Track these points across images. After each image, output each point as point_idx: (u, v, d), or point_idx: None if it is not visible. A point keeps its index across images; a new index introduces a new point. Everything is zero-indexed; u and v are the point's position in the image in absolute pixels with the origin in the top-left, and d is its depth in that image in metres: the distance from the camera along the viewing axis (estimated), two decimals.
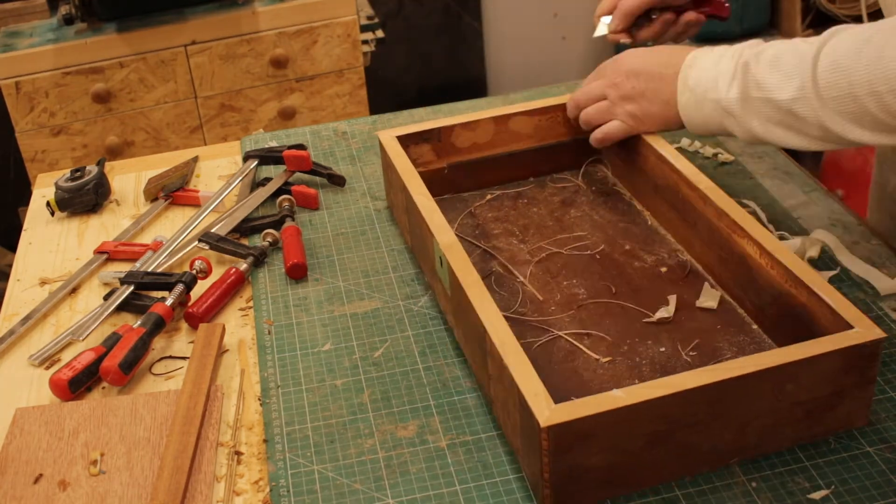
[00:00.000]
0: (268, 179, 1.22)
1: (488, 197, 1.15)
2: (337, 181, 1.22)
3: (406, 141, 1.12)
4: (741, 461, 0.79)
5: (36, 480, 0.83)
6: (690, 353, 0.89)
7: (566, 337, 0.92)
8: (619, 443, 0.74)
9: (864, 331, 0.77)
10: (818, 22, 2.78)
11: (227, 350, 0.97)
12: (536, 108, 1.16)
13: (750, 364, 0.75)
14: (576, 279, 1.00)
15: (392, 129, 1.16)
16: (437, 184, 1.14)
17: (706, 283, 0.97)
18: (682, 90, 1.00)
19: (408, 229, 1.07)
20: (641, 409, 0.73)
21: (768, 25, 2.80)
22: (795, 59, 0.89)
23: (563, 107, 1.16)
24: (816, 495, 0.75)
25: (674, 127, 1.04)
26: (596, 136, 1.11)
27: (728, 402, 0.75)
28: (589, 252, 1.04)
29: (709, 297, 0.95)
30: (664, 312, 0.93)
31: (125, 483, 0.82)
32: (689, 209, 0.99)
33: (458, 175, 1.16)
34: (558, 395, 0.82)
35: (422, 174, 1.06)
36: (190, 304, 1.02)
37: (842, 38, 0.86)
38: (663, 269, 1.00)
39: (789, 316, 0.85)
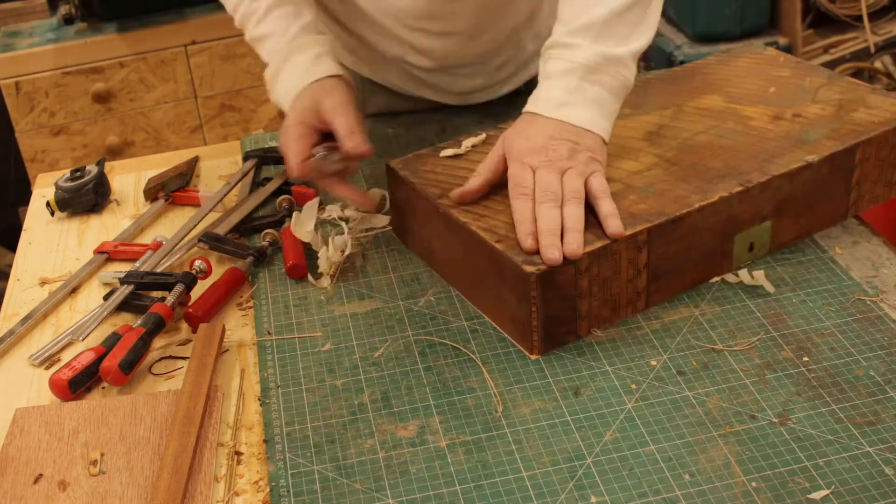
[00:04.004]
0: (268, 179, 1.22)
1: None
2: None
3: None
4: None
5: (36, 480, 0.83)
6: None
7: None
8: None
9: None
10: (818, 22, 2.78)
11: (227, 350, 0.97)
12: None
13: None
14: None
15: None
16: None
17: None
18: (555, 111, 0.99)
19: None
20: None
21: (768, 25, 2.80)
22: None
23: None
24: (816, 495, 0.75)
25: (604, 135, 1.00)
26: (611, 218, 0.93)
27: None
28: None
29: None
30: None
31: (125, 483, 0.82)
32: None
33: None
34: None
35: None
36: (190, 304, 1.02)
37: None
38: None
39: None
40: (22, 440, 0.87)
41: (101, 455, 0.85)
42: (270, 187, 1.20)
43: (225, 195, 1.20)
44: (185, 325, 1.01)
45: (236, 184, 1.22)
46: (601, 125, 0.99)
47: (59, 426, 0.88)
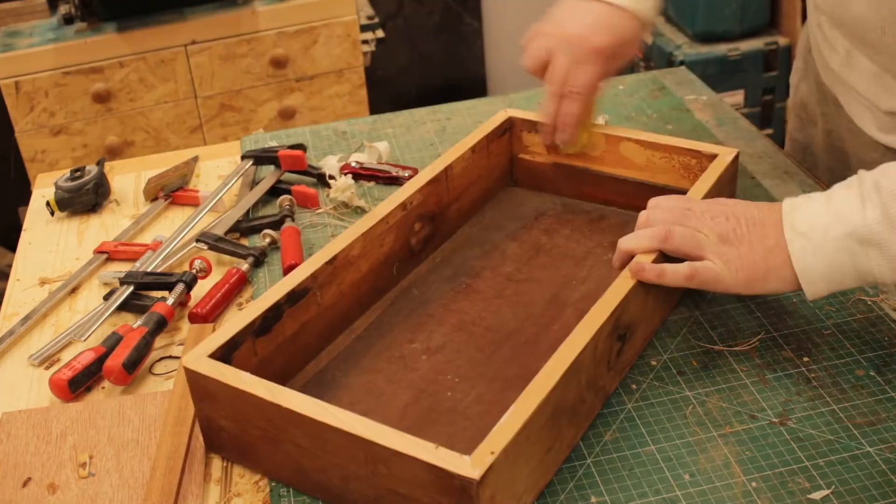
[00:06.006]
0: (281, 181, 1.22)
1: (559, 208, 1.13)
2: (327, 181, 1.22)
3: (525, 125, 1.14)
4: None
5: (25, 484, 0.82)
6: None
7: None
8: (239, 419, 0.78)
9: (468, 460, 0.67)
10: None
11: None
12: (650, 140, 1.07)
13: (345, 422, 0.72)
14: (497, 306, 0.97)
15: (520, 110, 1.16)
16: (537, 177, 1.16)
17: None
18: (792, 237, 0.83)
19: None
20: (254, 401, 0.76)
21: (768, 25, 2.80)
22: None
23: (680, 150, 1.05)
24: (816, 495, 0.75)
25: (772, 283, 0.85)
26: (681, 272, 0.86)
27: (326, 446, 0.74)
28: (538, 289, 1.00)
29: None
30: None
31: (115, 485, 0.82)
32: None
33: (560, 174, 1.14)
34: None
35: (527, 162, 1.15)
36: (191, 303, 1.02)
37: None
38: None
39: None
40: (9, 444, 0.87)
41: (90, 457, 0.84)
42: (262, 187, 1.20)
43: (221, 195, 1.20)
44: (184, 326, 1.01)
45: (232, 184, 1.22)
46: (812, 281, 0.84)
47: (46, 429, 0.88)
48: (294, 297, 0.88)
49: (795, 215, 0.84)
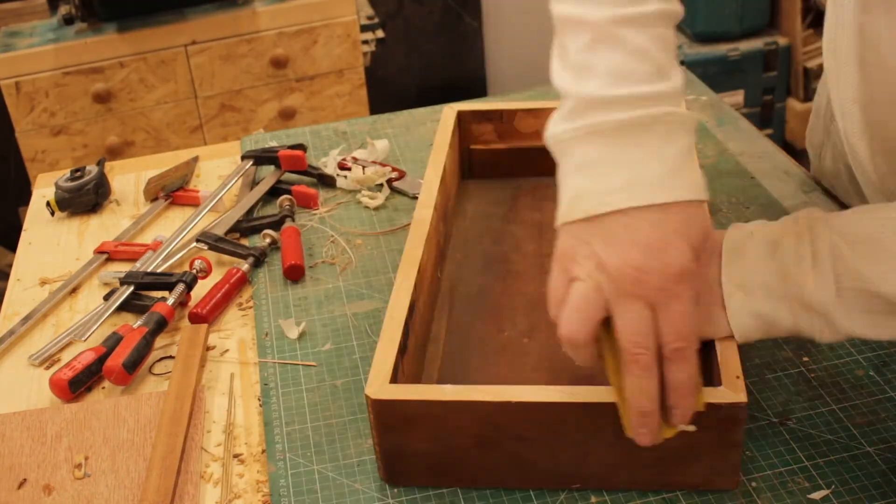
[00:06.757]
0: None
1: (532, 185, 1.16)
2: (327, 181, 1.22)
3: (469, 118, 1.16)
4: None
5: (20, 486, 0.82)
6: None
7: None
8: (443, 435, 0.75)
9: (726, 391, 0.71)
10: (818, 22, 2.78)
11: (228, 350, 0.97)
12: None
13: (589, 394, 0.72)
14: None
15: (457, 103, 1.19)
16: (493, 165, 1.18)
17: None
18: (730, 291, 0.74)
19: None
20: (465, 409, 0.73)
21: (768, 25, 2.80)
22: None
23: None
24: (816, 495, 0.75)
25: (709, 330, 0.76)
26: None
27: (562, 427, 0.73)
28: None
29: None
30: None
31: (111, 486, 0.82)
32: None
33: (514, 159, 1.17)
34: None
35: (480, 151, 1.15)
36: (191, 304, 1.02)
37: None
38: None
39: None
40: (4, 446, 0.87)
41: (86, 458, 0.84)
42: (262, 187, 1.20)
43: (221, 195, 1.20)
44: (184, 326, 1.01)
45: (231, 185, 1.22)
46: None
47: (41, 431, 0.88)
48: (410, 310, 0.85)
49: (734, 267, 0.74)
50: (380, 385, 0.75)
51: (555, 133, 0.71)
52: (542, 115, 1.14)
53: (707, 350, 0.76)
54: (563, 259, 0.70)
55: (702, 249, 0.70)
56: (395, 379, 0.77)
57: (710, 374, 0.76)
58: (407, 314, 0.83)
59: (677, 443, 0.71)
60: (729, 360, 0.74)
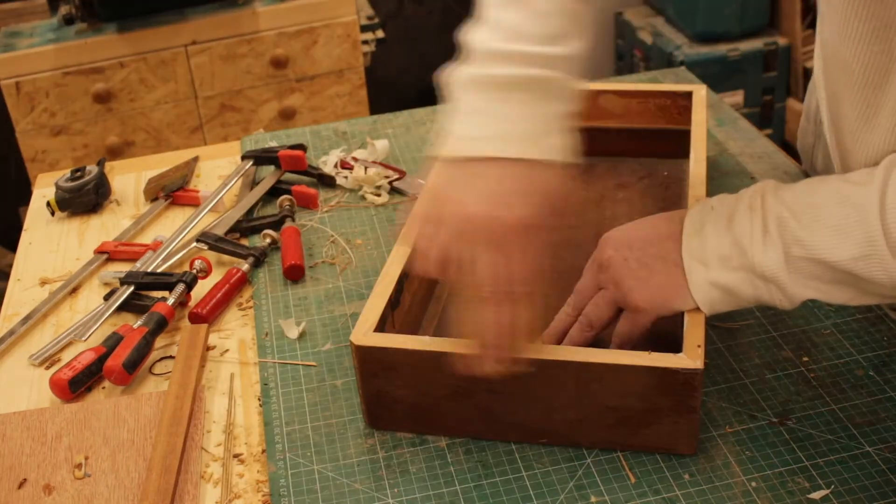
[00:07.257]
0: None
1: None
2: (327, 181, 1.22)
3: None
4: (570, 445, 0.81)
5: (20, 486, 0.82)
6: None
7: None
8: (420, 384, 0.80)
9: (684, 357, 0.75)
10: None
11: (228, 350, 0.97)
12: (625, 89, 1.17)
13: (554, 353, 0.78)
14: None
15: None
16: None
17: None
18: (691, 266, 0.78)
19: None
20: (441, 359, 0.78)
21: (768, 25, 2.80)
22: (847, 210, 0.72)
23: (654, 94, 1.15)
24: (816, 495, 0.75)
25: (678, 302, 0.80)
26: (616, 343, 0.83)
27: (527, 383, 0.78)
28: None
29: None
30: None
31: (111, 486, 0.82)
32: None
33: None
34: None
35: None
36: (191, 304, 1.02)
37: None
38: None
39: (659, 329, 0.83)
40: (4, 446, 0.87)
41: (86, 458, 0.85)
42: (262, 187, 1.20)
43: (221, 196, 1.21)
44: (184, 326, 1.01)
45: (231, 185, 1.22)
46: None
47: (41, 431, 0.88)
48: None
49: (694, 240, 0.78)
50: (364, 333, 0.81)
51: (452, 77, 0.77)
52: None
53: (676, 322, 0.81)
54: (435, 194, 0.76)
55: (562, 209, 0.75)
56: (381, 329, 0.82)
57: (677, 342, 0.78)
58: (403, 272, 0.88)
59: (638, 405, 0.77)
60: (693, 329, 0.78)
